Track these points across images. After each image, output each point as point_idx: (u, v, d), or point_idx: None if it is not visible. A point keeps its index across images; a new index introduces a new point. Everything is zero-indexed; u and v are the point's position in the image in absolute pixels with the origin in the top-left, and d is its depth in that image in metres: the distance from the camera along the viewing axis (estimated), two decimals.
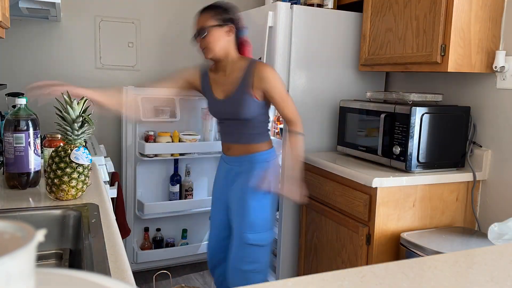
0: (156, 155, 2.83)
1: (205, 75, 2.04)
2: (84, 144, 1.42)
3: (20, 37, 2.73)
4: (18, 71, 2.76)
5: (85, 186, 1.40)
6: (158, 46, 3.06)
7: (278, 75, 1.91)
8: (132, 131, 2.82)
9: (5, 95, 2.57)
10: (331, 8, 2.55)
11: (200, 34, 1.89)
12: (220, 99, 1.96)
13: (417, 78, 2.51)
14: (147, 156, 2.80)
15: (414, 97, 2.05)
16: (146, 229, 2.98)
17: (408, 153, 1.95)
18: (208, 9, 1.91)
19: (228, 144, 2.03)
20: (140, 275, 2.85)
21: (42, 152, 1.58)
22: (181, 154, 2.92)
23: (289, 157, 2.00)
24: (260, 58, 2.40)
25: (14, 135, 1.42)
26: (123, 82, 2.99)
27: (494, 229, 1.55)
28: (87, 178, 1.40)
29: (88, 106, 1.42)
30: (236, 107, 1.90)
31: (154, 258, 2.93)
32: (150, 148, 2.77)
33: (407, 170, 1.97)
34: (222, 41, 1.89)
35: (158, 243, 3.02)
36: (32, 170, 1.46)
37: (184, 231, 3.11)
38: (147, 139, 2.81)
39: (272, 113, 3.14)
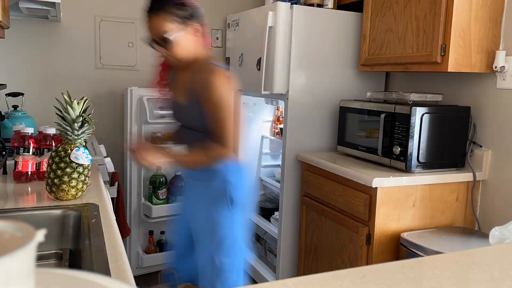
0: None
1: (170, 71, 1.73)
2: (84, 144, 1.43)
3: (20, 37, 2.73)
4: (18, 71, 2.76)
5: (85, 186, 1.40)
6: None
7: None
8: (137, 132, 2.79)
9: (5, 95, 2.57)
10: (331, 8, 2.55)
11: (162, 44, 1.55)
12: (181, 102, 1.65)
13: (417, 78, 2.51)
14: None
15: (414, 97, 2.05)
16: (151, 233, 2.95)
17: (408, 153, 1.95)
18: (161, 10, 1.53)
19: None
20: (143, 278, 2.84)
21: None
22: None
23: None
24: (259, 59, 2.40)
25: None
26: (123, 82, 2.99)
27: (495, 234, 1.55)
28: (87, 178, 1.40)
29: (88, 106, 1.42)
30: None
31: (160, 261, 2.91)
32: None
33: (407, 170, 1.97)
34: (190, 46, 1.58)
35: (163, 246, 3.00)
36: None
37: None
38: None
39: (272, 113, 3.15)
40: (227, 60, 3.06)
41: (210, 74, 1.53)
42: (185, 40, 1.56)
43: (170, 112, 1.79)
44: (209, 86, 1.52)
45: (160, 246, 2.99)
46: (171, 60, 1.61)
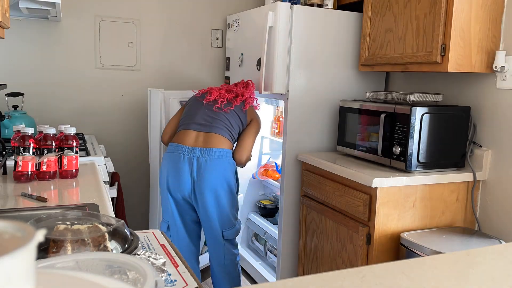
0: None
1: None
2: None
3: (20, 37, 2.73)
4: (18, 71, 2.76)
5: None
6: (158, 46, 3.06)
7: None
8: (160, 132, 2.74)
9: (5, 95, 2.57)
10: (331, 8, 2.55)
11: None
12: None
13: (417, 78, 2.51)
14: None
15: (414, 97, 2.05)
16: None
17: (408, 153, 1.95)
18: None
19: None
20: None
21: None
22: None
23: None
24: (259, 60, 2.40)
25: None
26: (123, 82, 2.99)
27: None
28: None
29: None
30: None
31: None
32: None
33: (407, 170, 1.97)
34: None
35: None
36: None
37: None
38: None
39: (272, 113, 3.15)
40: (227, 60, 3.06)
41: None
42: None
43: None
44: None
45: None
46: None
